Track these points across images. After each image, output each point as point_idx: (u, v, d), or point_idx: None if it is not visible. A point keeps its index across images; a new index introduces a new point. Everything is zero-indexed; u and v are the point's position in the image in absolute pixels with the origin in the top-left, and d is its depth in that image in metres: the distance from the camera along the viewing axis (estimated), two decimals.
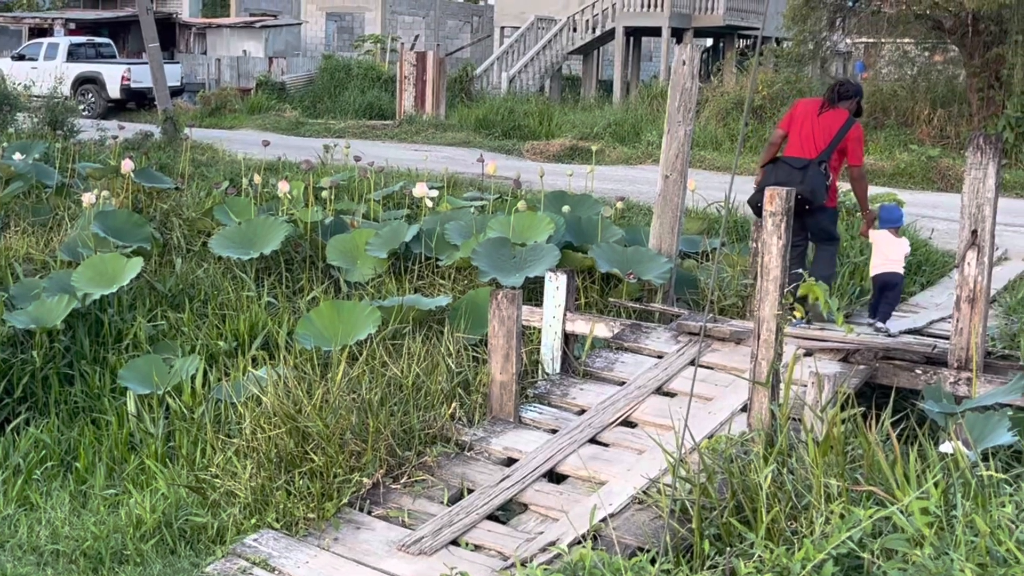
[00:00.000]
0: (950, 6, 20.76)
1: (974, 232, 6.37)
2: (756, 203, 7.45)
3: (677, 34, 30.02)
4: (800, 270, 5.92)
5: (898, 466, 4.44)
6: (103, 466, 6.81)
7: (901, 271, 7.89)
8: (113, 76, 28.15)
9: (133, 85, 27.95)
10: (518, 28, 31.89)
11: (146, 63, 20.93)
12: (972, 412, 5.59)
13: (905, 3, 22.20)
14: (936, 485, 4.20)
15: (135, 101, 28.23)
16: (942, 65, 23.44)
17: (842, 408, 4.94)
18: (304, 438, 5.82)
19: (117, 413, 7.43)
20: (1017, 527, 3.91)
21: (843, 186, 8.54)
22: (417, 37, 37.19)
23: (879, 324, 7.69)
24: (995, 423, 5.34)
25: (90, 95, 28.29)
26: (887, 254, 7.81)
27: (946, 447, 4.77)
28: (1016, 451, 5.48)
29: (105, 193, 11.15)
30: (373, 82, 29.23)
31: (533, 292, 8.29)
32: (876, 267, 7.89)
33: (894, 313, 8.16)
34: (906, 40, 24.06)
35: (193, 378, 7.41)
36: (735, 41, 32.34)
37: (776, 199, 5.54)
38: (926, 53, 23.80)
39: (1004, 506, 4.04)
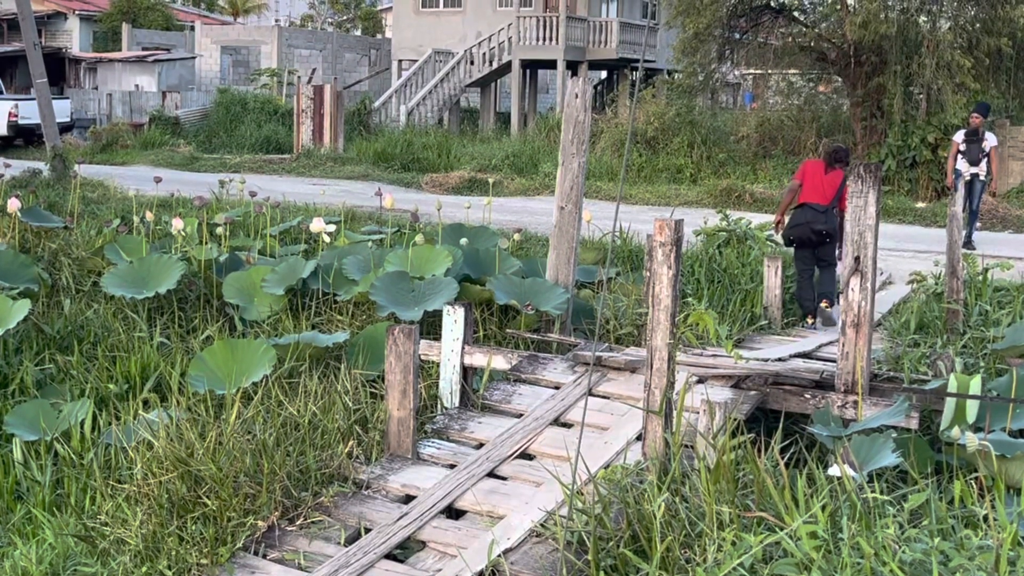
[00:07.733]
0: (833, 38, 21.48)
1: (857, 258, 6.55)
2: (788, 237, 9.97)
3: (572, 66, 30.46)
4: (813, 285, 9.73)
5: (787, 491, 4.53)
6: None
7: None
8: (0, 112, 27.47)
9: (21, 121, 27.32)
10: (416, 61, 32.01)
11: (34, 99, 20.44)
12: (858, 435, 5.73)
13: (791, 36, 22.90)
14: (824, 508, 4.30)
15: (23, 138, 27.61)
16: (827, 95, 24.21)
17: (733, 435, 5.03)
18: (197, 482, 5.70)
19: (2, 461, 7.17)
20: (900, 547, 4.02)
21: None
22: (314, 70, 37.02)
23: None
24: (880, 445, 5.47)
25: None
26: None
27: (834, 470, 4.88)
28: (901, 471, 5.63)
29: None
30: (270, 116, 29.00)
31: (432, 325, 8.28)
32: None
33: (787, 338, 8.93)
34: (792, 71, 24.82)
35: (82, 423, 7.20)
36: (629, 73, 32.92)
37: (665, 230, 5.57)
38: (811, 83, 24.54)
39: (887, 527, 4.15)
